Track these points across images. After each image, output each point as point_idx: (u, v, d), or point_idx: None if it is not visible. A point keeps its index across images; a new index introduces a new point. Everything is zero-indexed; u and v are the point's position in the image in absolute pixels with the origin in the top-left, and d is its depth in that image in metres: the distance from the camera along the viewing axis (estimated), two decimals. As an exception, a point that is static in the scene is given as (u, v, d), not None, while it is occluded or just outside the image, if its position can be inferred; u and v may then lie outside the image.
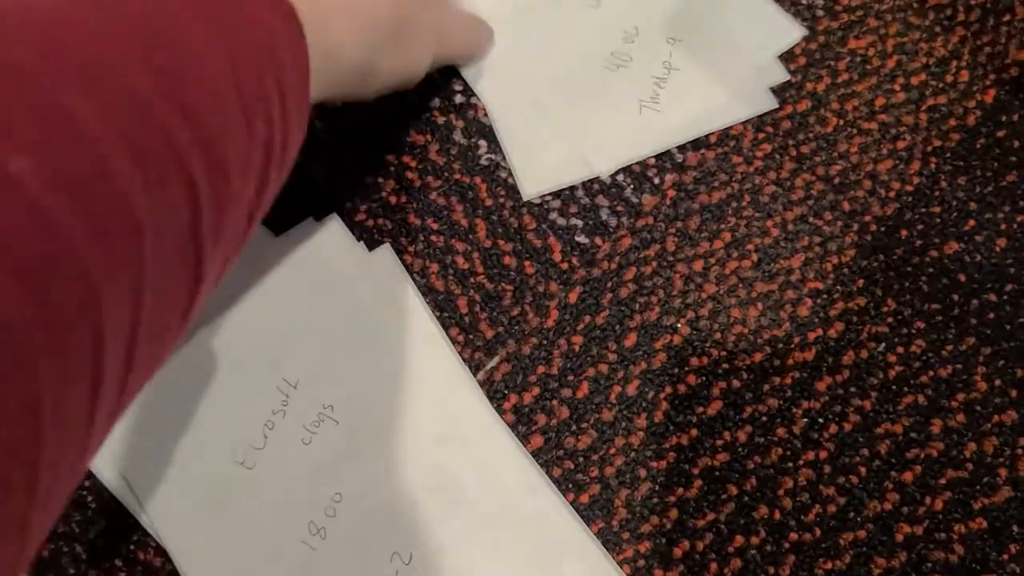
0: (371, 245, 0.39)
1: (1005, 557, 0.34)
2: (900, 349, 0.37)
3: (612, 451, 0.36)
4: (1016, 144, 0.40)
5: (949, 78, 0.41)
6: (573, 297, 0.38)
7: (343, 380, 0.37)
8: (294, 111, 0.28)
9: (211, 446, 0.36)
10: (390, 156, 0.41)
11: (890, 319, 0.37)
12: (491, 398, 0.37)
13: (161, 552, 0.35)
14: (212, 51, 0.24)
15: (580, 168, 0.40)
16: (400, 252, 0.39)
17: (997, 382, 0.36)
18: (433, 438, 0.36)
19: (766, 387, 0.37)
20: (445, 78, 0.41)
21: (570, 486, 0.36)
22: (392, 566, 0.35)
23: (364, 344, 0.37)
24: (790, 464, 0.36)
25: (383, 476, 0.36)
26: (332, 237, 0.39)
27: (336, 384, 0.37)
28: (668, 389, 0.37)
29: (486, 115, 0.41)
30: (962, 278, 0.38)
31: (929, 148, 0.40)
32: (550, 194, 0.40)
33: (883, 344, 0.37)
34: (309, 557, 0.35)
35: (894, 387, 0.36)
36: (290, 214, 0.39)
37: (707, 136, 0.40)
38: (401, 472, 0.36)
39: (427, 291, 0.38)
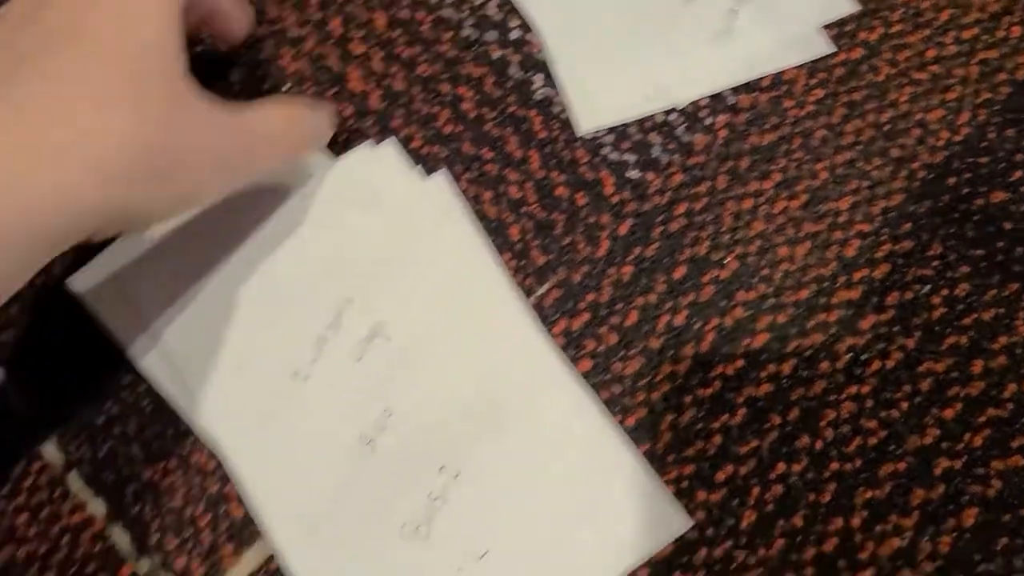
0: (427, 172, 0.40)
1: (1042, 494, 0.35)
2: (944, 292, 0.38)
3: (659, 377, 0.37)
4: (1064, 99, 0.40)
5: (1001, 33, 0.41)
6: (624, 229, 0.39)
7: (396, 299, 0.38)
8: None
9: (266, 358, 0.37)
10: (445, 87, 0.42)
11: (935, 263, 0.38)
12: (542, 322, 0.37)
13: (213, 456, 0.36)
14: None
15: (645, 101, 0.40)
16: (455, 179, 0.40)
17: (1039, 327, 0.37)
18: (484, 358, 0.37)
19: (811, 323, 0.37)
20: (503, 13, 0.42)
21: (617, 409, 0.36)
22: (440, 479, 0.35)
23: (418, 265, 0.38)
24: (833, 397, 0.36)
25: (433, 393, 0.36)
26: (389, 161, 0.40)
27: (389, 303, 0.38)
28: (715, 321, 0.38)
29: (541, 52, 0.42)
30: (1007, 226, 0.39)
31: (978, 100, 0.40)
32: (604, 130, 0.41)
33: (928, 286, 0.38)
34: (359, 467, 0.35)
35: (937, 328, 0.37)
36: (349, 138, 0.40)
37: (759, 79, 0.41)
38: (451, 390, 0.36)
39: (480, 218, 0.39)
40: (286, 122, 0.35)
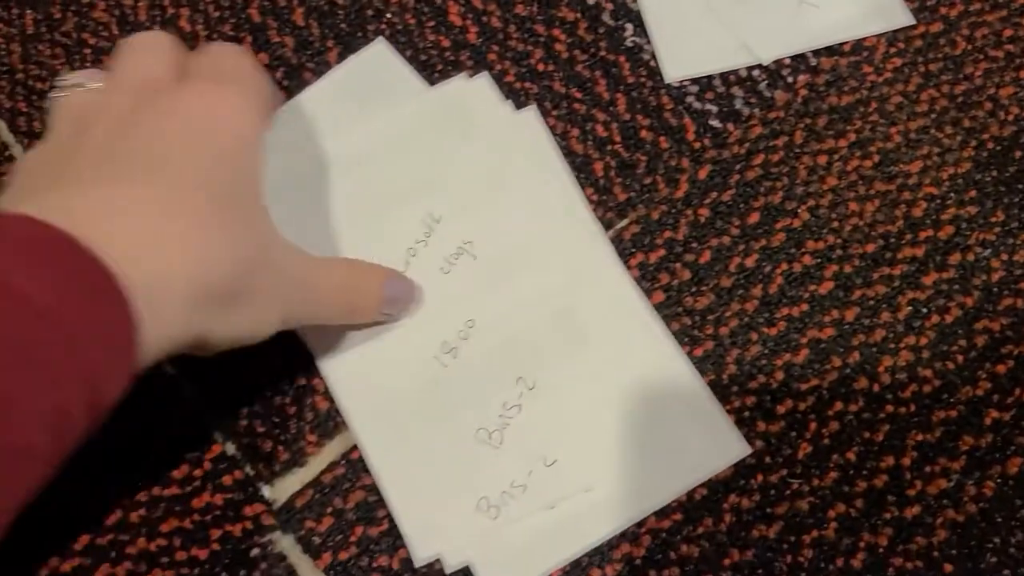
0: (518, 106, 0.42)
1: (1084, 449, 0.37)
2: (1004, 256, 0.40)
3: (728, 314, 0.39)
4: None
5: (1075, 19, 0.43)
6: (703, 174, 0.41)
7: (484, 221, 0.40)
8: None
9: (358, 264, 0.39)
10: (540, 28, 0.44)
11: (997, 229, 0.40)
12: (619, 254, 0.39)
13: (302, 349, 0.38)
14: None
15: (731, 55, 0.42)
16: (544, 115, 0.42)
17: (1092, 296, 0.39)
18: (564, 281, 0.39)
19: (876, 275, 0.39)
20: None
21: (686, 340, 0.38)
22: (517, 389, 0.37)
23: (505, 191, 0.40)
24: (892, 345, 0.38)
25: (514, 310, 0.38)
26: (482, 92, 0.42)
27: (477, 224, 0.40)
28: (784, 266, 0.40)
29: (635, 1, 0.44)
30: (1069, 200, 0.40)
31: (1050, 80, 0.42)
32: (689, 80, 0.42)
33: (989, 250, 0.40)
34: (440, 372, 0.38)
35: (995, 289, 0.39)
36: (445, 68, 0.42)
37: (841, 44, 0.43)
38: (531, 308, 0.38)
39: (567, 152, 0.41)
40: (356, 280, 0.36)
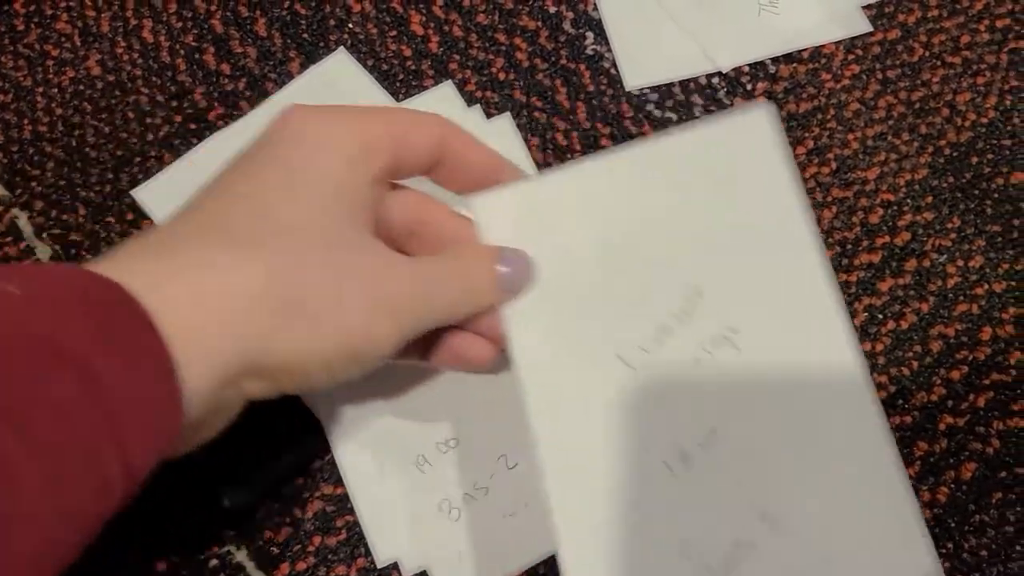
0: (485, 116, 0.42)
1: (1037, 454, 0.37)
2: (960, 262, 0.40)
3: (685, 321, 0.39)
4: (1088, 91, 0.42)
5: (1032, 25, 0.43)
6: (662, 182, 0.41)
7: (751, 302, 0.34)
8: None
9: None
10: (501, 36, 0.44)
11: (953, 235, 0.40)
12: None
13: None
14: None
15: (691, 64, 0.42)
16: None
17: (1047, 301, 0.39)
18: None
19: (833, 281, 0.40)
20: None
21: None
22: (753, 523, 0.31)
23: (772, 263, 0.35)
24: (848, 351, 0.39)
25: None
26: (448, 103, 0.42)
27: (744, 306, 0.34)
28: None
29: (595, 9, 0.44)
30: (1024, 206, 0.41)
31: (1007, 86, 0.43)
32: (649, 88, 0.43)
33: (944, 256, 0.40)
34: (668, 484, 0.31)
35: (950, 295, 0.39)
36: (406, 78, 0.42)
37: (800, 52, 0.43)
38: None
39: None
40: (469, 260, 0.32)
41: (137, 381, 0.24)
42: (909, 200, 0.41)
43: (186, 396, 0.25)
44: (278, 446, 0.37)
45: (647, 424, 0.31)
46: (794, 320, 0.32)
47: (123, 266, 0.26)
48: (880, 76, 0.43)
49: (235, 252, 0.28)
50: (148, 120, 0.42)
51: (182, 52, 0.44)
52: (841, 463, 0.31)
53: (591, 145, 0.42)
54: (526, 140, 0.42)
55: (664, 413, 0.32)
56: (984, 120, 0.42)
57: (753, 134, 0.33)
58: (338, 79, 0.43)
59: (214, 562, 0.36)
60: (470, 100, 0.42)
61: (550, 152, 0.42)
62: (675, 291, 0.33)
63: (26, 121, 0.42)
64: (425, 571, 0.36)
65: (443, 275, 0.31)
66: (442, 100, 0.42)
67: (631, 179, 0.34)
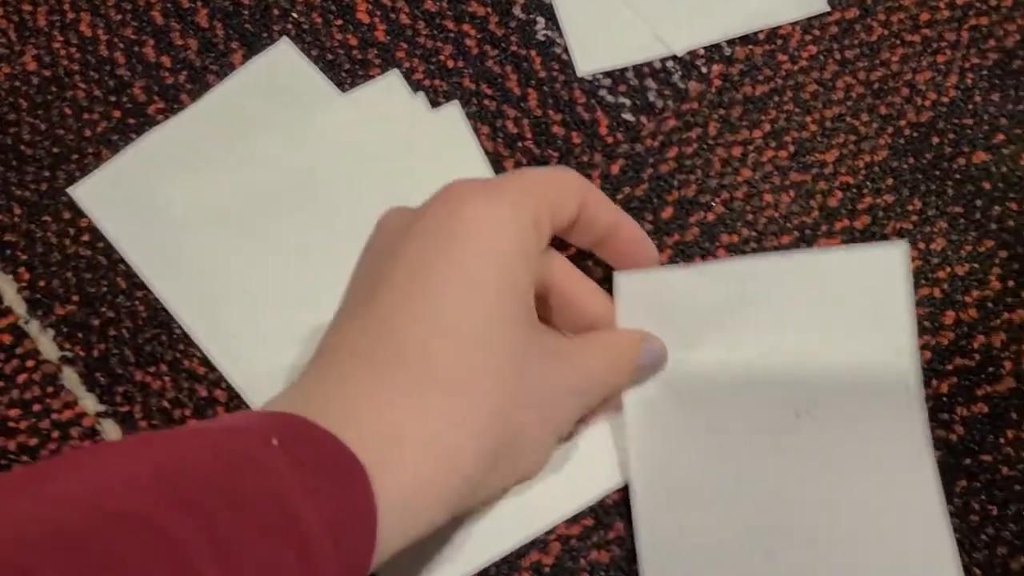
0: (432, 104, 0.41)
1: (1002, 440, 0.36)
2: (921, 245, 0.39)
3: (640, 311, 0.38)
4: (1050, 68, 0.41)
5: (993, 1, 0.42)
6: (615, 169, 0.40)
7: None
8: None
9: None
10: (450, 23, 0.43)
11: (914, 217, 0.39)
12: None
13: (206, 362, 0.37)
14: None
15: (644, 47, 0.41)
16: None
17: (1010, 283, 0.38)
18: None
19: (791, 267, 0.38)
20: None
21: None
22: None
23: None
24: (807, 339, 0.38)
25: None
26: (393, 92, 0.41)
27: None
28: (698, 260, 0.39)
29: (546, -7, 0.43)
30: (987, 186, 0.40)
31: (967, 65, 0.42)
32: (602, 73, 0.42)
33: (906, 239, 0.39)
34: None
35: (912, 278, 0.38)
36: (353, 68, 0.41)
37: (756, 33, 0.42)
38: None
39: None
40: (619, 349, 0.34)
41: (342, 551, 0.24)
42: (869, 183, 0.40)
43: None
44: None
45: (747, 526, 0.34)
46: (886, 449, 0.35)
47: (339, 416, 0.26)
48: (838, 56, 0.42)
49: (451, 396, 0.27)
50: (86, 116, 0.41)
51: (121, 45, 0.42)
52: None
53: (542, 132, 0.41)
54: (476, 129, 0.41)
55: (762, 517, 0.34)
56: (945, 99, 0.41)
57: (887, 269, 0.36)
58: (281, 70, 0.41)
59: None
60: (417, 89, 0.41)
61: (500, 141, 0.40)
62: (787, 405, 0.35)
63: (-40, 119, 0.41)
64: (374, 572, 0.34)
65: (600, 372, 0.33)
66: (388, 90, 0.41)
67: (767, 287, 0.36)
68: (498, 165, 0.40)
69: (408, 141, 0.40)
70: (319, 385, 0.28)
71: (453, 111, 0.40)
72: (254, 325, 0.37)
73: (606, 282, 0.36)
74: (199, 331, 0.37)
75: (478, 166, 0.39)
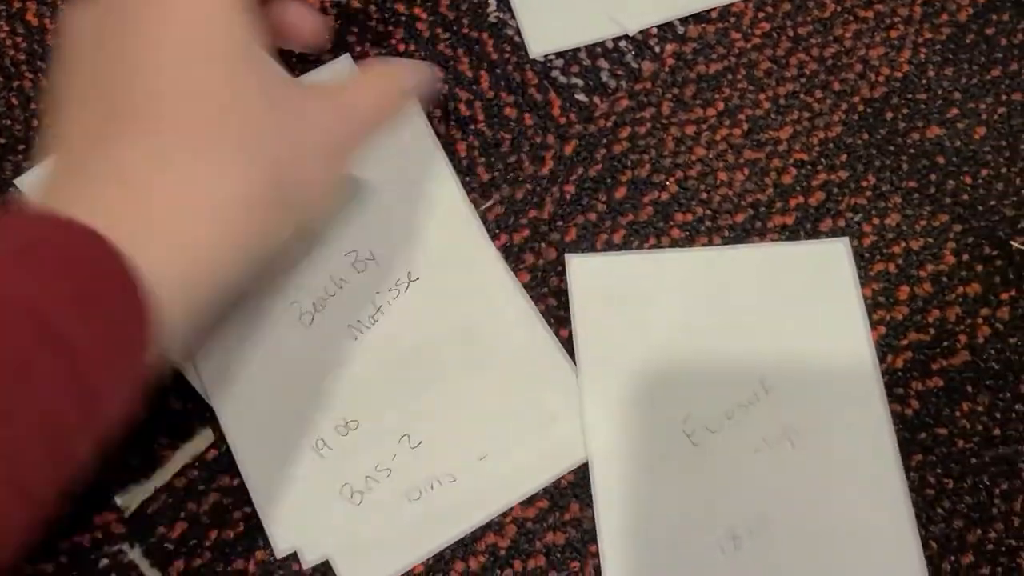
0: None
1: (957, 414, 0.36)
2: (876, 220, 0.39)
3: (594, 292, 0.38)
4: (1003, 42, 0.41)
5: (945, -25, 0.42)
6: (568, 149, 0.40)
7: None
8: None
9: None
10: (400, 6, 0.42)
11: (869, 193, 0.39)
12: (485, 234, 0.38)
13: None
14: None
15: (596, 27, 0.41)
16: (405, 96, 0.40)
17: (965, 257, 0.38)
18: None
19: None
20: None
21: (551, 321, 0.37)
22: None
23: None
24: (762, 316, 0.37)
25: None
26: (345, 76, 0.40)
27: None
28: (652, 240, 0.39)
29: (498, -25, 0.43)
30: (941, 160, 0.40)
31: (920, 39, 0.42)
32: (554, 54, 0.41)
33: (860, 215, 0.39)
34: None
35: (867, 254, 0.38)
36: (303, 54, 0.41)
37: (708, 11, 0.42)
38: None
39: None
40: (378, 89, 0.33)
41: (115, 353, 0.24)
42: (823, 159, 0.40)
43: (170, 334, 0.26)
44: (171, 439, 0.36)
45: (707, 502, 0.35)
46: (846, 426, 0.36)
47: (100, 204, 0.25)
48: (791, 33, 0.42)
49: (212, 160, 0.27)
50: (32, 106, 0.40)
51: (67, 34, 0.42)
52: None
53: (495, 115, 0.40)
54: (428, 112, 0.40)
55: (722, 494, 0.35)
56: (898, 75, 0.41)
57: (831, 259, 0.38)
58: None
59: (105, 561, 0.34)
60: (368, 73, 0.41)
61: (452, 123, 0.40)
62: (745, 383, 0.36)
63: (-97, 111, 0.40)
64: (327, 560, 0.34)
65: (368, 109, 0.32)
66: (340, 75, 0.40)
67: (718, 273, 0.38)
68: (450, 147, 0.40)
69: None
70: (66, 181, 0.27)
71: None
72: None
73: (558, 265, 0.36)
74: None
75: (426, 142, 0.39)
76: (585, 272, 0.37)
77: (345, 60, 0.41)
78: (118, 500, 0.35)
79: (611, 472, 0.35)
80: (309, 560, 0.34)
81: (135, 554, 0.34)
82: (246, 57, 0.29)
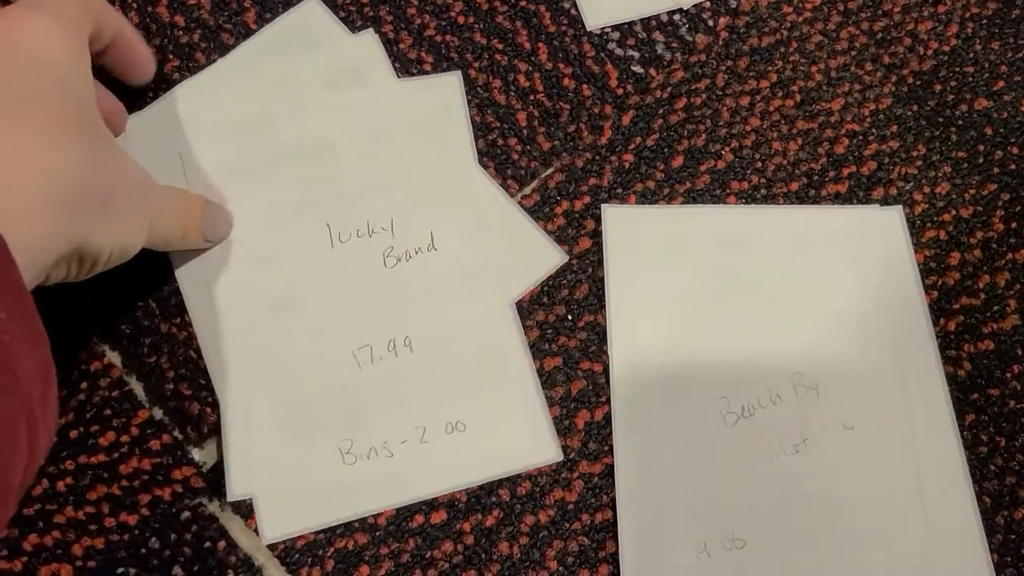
0: (439, 61, 0.42)
1: (1008, 375, 0.37)
2: (926, 189, 0.40)
3: (654, 257, 0.39)
4: (1048, 16, 0.42)
5: (991, -48, 0.43)
6: (626, 120, 0.41)
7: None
8: None
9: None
10: (460, -19, 0.43)
11: (919, 162, 0.40)
12: (544, 204, 0.39)
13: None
14: None
15: (652, 1, 0.42)
16: (465, 67, 0.41)
17: (1014, 225, 0.39)
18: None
19: (800, 212, 0.39)
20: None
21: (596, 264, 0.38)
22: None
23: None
24: (818, 281, 0.38)
25: None
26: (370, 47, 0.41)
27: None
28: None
29: (554, -50, 0.43)
30: (988, 131, 0.41)
31: (967, 14, 0.43)
32: (610, 26, 0.42)
33: (911, 184, 0.40)
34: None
35: (918, 222, 0.39)
36: (364, 24, 0.41)
37: (762, -14, 0.43)
38: None
39: (489, 104, 0.41)
40: (180, 206, 0.36)
41: None
42: (874, 130, 0.41)
43: None
44: (246, 396, 0.37)
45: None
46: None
47: None
48: (841, 7, 0.43)
49: (46, 133, 0.28)
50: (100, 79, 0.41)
51: (135, 5, 0.43)
52: None
53: (553, 86, 0.41)
54: (488, 83, 0.41)
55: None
56: (946, 48, 0.42)
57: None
58: (309, 28, 0.42)
59: (186, 514, 0.35)
60: (429, 45, 0.42)
61: (513, 94, 0.41)
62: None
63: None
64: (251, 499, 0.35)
65: (175, 211, 0.35)
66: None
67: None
68: (511, 118, 0.41)
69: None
70: None
71: (452, 79, 0.41)
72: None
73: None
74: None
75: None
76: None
77: (368, 34, 0.42)
78: (195, 456, 0.36)
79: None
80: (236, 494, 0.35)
81: (214, 507, 0.35)
82: (92, 125, 0.31)
